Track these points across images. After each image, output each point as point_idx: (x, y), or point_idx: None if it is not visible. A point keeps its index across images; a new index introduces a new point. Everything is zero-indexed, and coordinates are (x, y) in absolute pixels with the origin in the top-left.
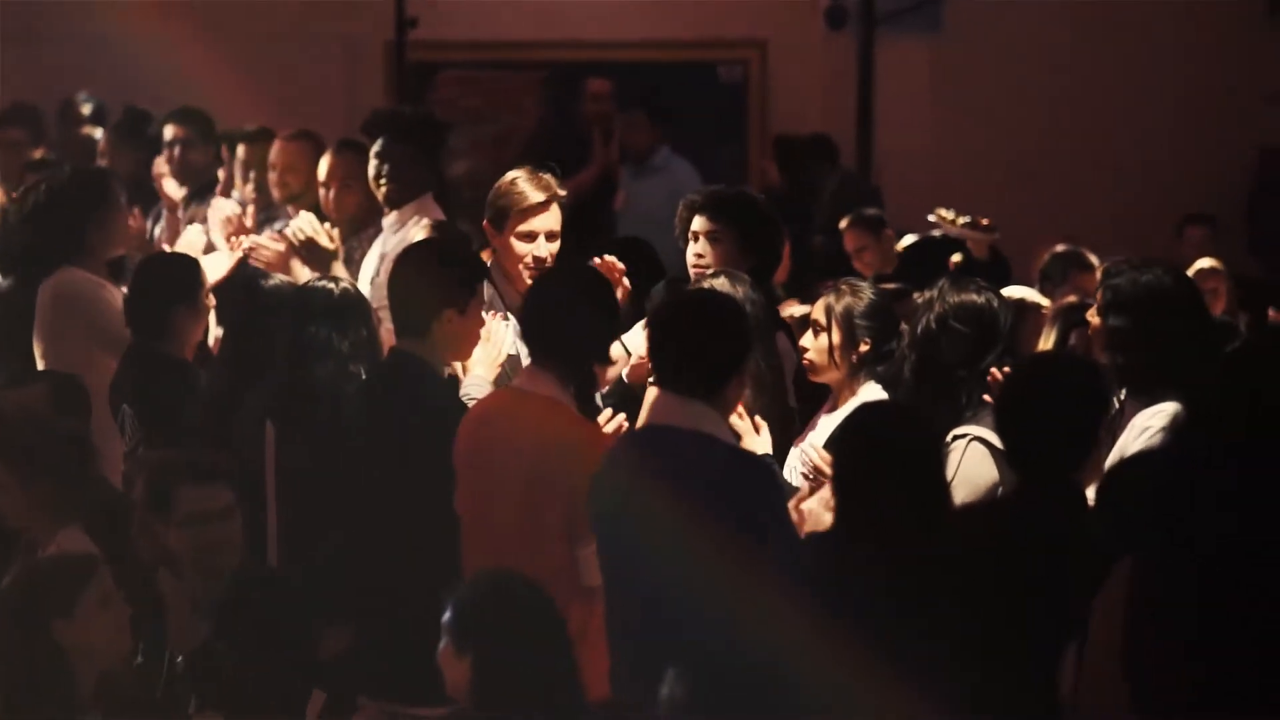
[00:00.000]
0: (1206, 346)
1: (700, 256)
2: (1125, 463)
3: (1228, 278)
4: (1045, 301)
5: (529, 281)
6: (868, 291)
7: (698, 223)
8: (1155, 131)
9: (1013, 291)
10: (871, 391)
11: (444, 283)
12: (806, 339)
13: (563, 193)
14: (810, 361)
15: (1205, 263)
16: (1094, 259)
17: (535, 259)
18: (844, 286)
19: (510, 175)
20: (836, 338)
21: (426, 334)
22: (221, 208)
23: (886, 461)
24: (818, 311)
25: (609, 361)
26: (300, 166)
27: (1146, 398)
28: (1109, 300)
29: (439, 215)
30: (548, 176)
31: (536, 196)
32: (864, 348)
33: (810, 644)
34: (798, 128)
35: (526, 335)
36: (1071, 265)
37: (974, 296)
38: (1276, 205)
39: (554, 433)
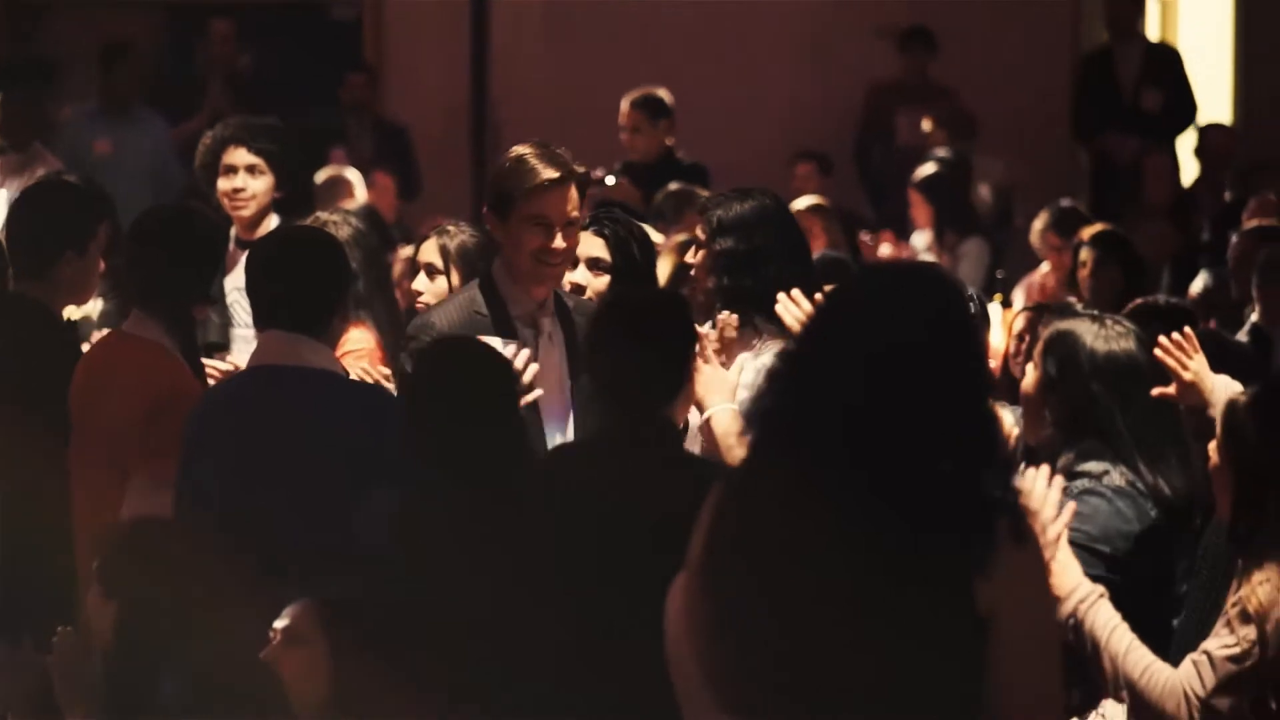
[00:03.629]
0: (805, 274)
1: (240, 191)
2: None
3: (827, 214)
4: (659, 238)
5: (542, 281)
6: (471, 230)
7: (237, 155)
8: (768, 67)
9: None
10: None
11: (63, 224)
12: (420, 282)
13: (582, 169)
14: (427, 305)
15: (803, 202)
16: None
17: (550, 251)
18: (450, 228)
19: (516, 150)
20: (456, 279)
21: (46, 276)
22: None
23: (455, 396)
24: (430, 254)
25: (207, 303)
26: None
27: (749, 326)
28: (714, 227)
29: (54, 161)
30: (563, 151)
31: (549, 174)
32: None
33: (413, 578)
34: (413, 66)
35: (128, 280)
36: (684, 202)
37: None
38: (884, 141)
39: (164, 378)
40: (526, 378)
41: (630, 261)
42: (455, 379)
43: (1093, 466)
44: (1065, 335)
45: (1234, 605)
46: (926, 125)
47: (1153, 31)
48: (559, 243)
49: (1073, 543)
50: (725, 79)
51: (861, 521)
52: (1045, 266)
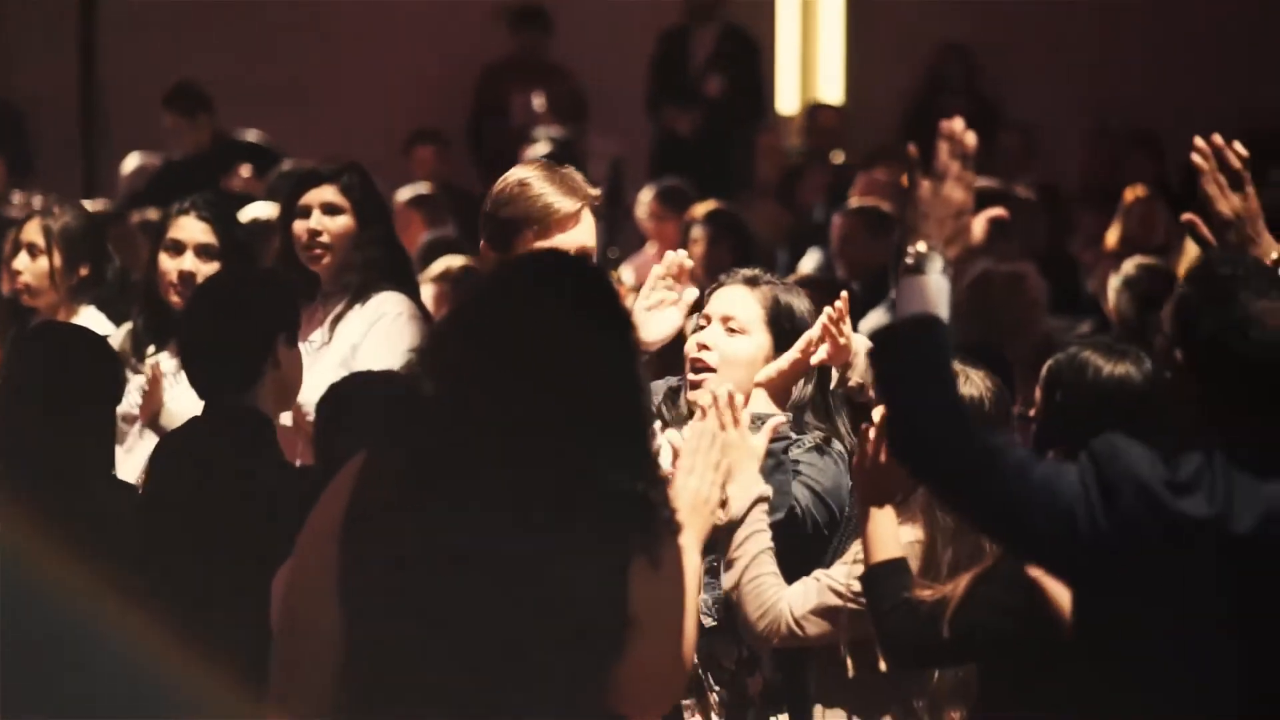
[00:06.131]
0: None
1: None
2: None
3: (428, 203)
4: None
5: None
6: (75, 213)
7: None
8: (385, 46)
9: (249, 211)
10: (92, 317)
11: None
12: (21, 261)
13: (596, 192)
14: (27, 285)
15: (404, 194)
16: None
17: None
18: (55, 209)
19: (518, 174)
20: (57, 260)
21: None
22: None
23: (42, 391)
24: (33, 234)
25: None
26: None
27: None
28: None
29: None
30: (574, 174)
31: (565, 205)
32: (84, 271)
33: None
34: (21, 46)
35: None
36: (307, 183)
37: None
38: (498, 122)
39: None
40: None
41: (235, 244)
42: (47, 373)
43: (818, 432)
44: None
45: (856, 551)
46: (538, 102)
47: (788, 10)
48: None
49: (807, 488)
50: (341, 59)
51: (513, 513)
52: (652, 247)
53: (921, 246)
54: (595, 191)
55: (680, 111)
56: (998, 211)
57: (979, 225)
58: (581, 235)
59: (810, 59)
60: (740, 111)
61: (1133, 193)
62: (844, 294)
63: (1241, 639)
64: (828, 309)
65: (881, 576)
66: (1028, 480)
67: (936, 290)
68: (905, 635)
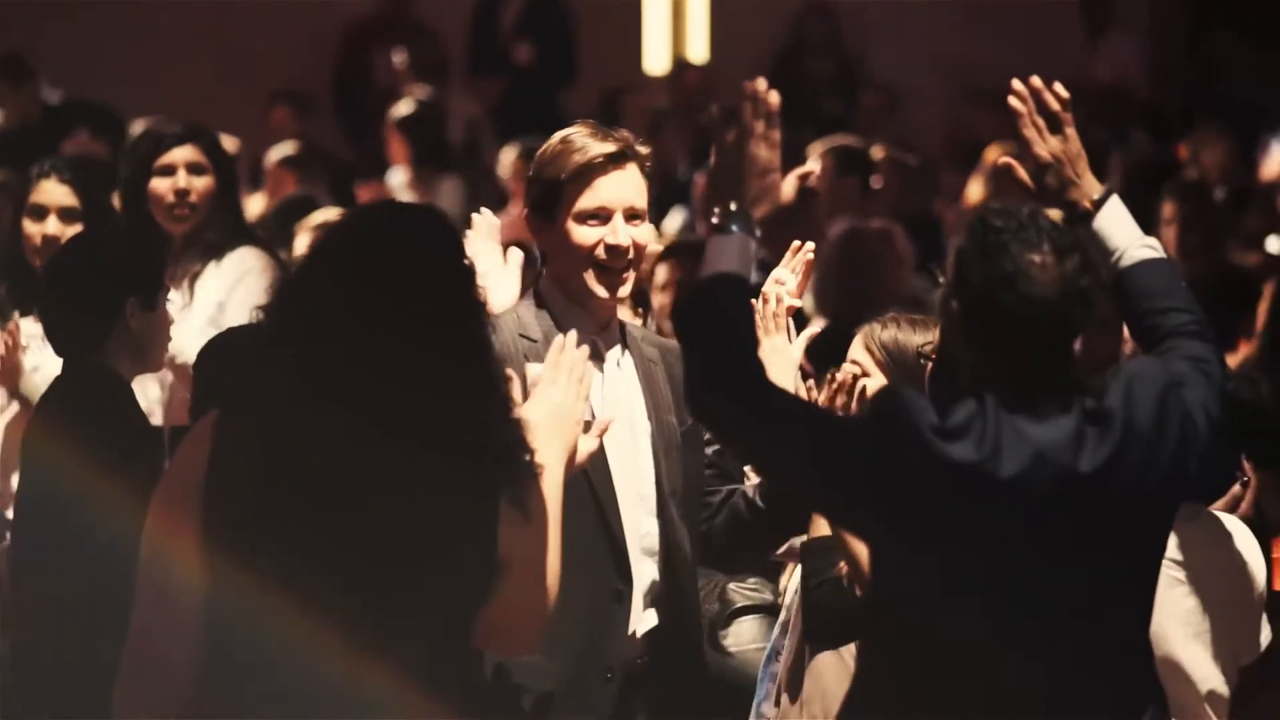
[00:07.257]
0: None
1: None
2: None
3: (297, 163)
4: None
5: (603, 293)
6: None
7: None
8: (247, 5)
9: None
10: None
11: None
12: None
13: (645, 150)
14: None
15: (276, 154)
16: None
17: (610, 250)
18: None
19: (560, 134)
20: None
21: None
22: None
23: None
24: None
25: None
26: None
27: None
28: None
29: None
30: (621, 131)
31: (603, 149)
32: None
33: None
34: None
35: None
36: (169, 142)
37: None
38: (361, 82)
39: None
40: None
41: (100, 206)
42: None
43: None
44: None
45: None
46: (399, 60)
47: None
48: (622, 238)
49: None
50: (203, 20)
51: (377, 466)
52: (515, 206)
53: (732, 206)
54: (644, 149)
55: (477, 81)
56: (809, 168)
57: (789, 184)
58: (625, 187)
59: (680, 18)
60: (549, 80)
61: (994, 151)
62: None
63: (1011, 581)
64: None
65: (816, 553)
66: (817, 436)
67: (741, 249)
68: (826, 611)
